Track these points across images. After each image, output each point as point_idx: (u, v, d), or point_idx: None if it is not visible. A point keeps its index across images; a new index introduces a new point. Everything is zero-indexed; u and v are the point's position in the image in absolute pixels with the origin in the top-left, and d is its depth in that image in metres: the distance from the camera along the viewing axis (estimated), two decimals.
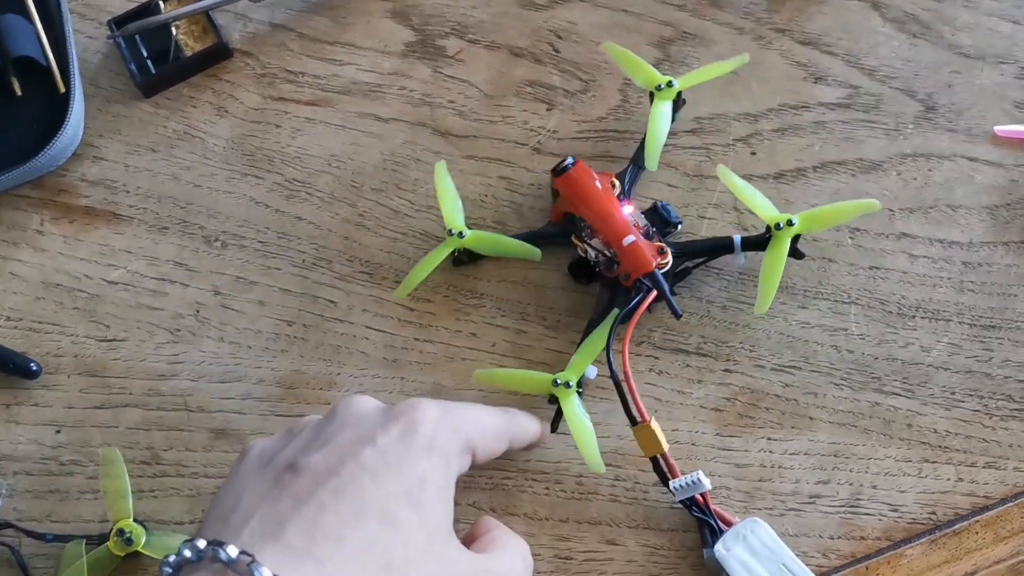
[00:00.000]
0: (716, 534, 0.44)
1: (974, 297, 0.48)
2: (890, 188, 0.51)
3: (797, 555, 0.43)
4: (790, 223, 0.46)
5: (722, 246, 0.48)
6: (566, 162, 0.49)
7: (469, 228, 0.49)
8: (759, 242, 0.47)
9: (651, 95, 0.51)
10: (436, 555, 0.36)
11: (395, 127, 0.54)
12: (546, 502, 0.47)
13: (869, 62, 0.53)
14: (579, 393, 0.46)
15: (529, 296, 0.50)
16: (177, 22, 0.55)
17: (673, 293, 0.48)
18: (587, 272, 0.49)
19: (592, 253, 0.48)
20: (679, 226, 0.49)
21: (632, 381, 0.45)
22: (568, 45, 0.55)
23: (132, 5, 0.57)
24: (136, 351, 0.51)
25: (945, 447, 0.46)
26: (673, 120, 0.51)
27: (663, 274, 0.47)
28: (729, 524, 0.45)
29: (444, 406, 0.39)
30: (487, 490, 0.47)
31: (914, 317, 0.48)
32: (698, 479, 0.44)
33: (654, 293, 0.46)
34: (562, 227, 0.50)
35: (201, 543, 0.34)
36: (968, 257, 0.49)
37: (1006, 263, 0.49)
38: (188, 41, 0.56)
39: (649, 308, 0.48)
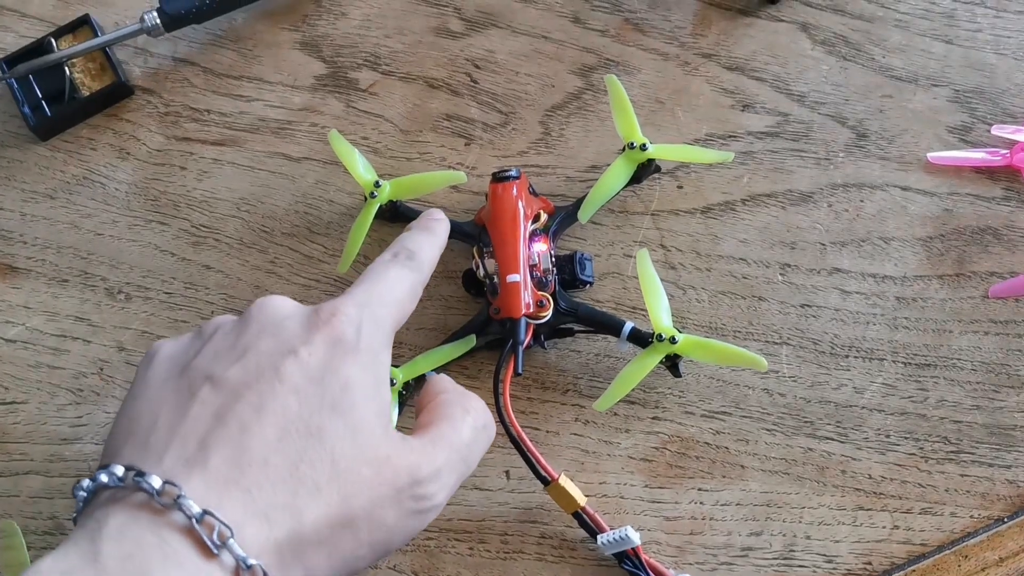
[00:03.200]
0: None
1: (908, 334, 0.47)
2: (821, 221, 0.49)
3: None
4: (673, 340, 0.44)
5: (611, 326, 0.46)
6: (509, 172, 0.47)
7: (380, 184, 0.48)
8: (643, 341, 0.45)
9: (623, 148, 0.48)
10: (368, 458, 0.33)
11: (307, 167, 0.52)
12: (470, 563, 0.45)
13: (798, 88, 0.51)
14: (402, 394, 0.46)
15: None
16: (72, 60, 0.52)
17: (543, 346, 0.47)
18: (477, 286, 0.48)
19: (482, 272, 0.46)
20: (588, 285, 0.47)
21: (528, 440, 0.43)
22: (486, 75, 0.53)
23: (26, 41, 0.53)
24: (37, 414, 0.48)
25: (880, 493, 0.45)
26: (639, 182, 0.49)
27: (541, 324, 0.45)
28: None
29: (360, 300, 0.36)
30: (408, 552, 0.45)
31: (847, 357, 0.47)
32: (626, 535, 0.43)
33: (527, 340, 0.45)
34: (475, 232, 0.48)
35: (119, 469, 0.31)
36: (902, 292, 0.47)
37: (940, 297, 0.47)
38: (85, 80, 0.53)
39: (577, 350, 0.47)
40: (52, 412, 0.48)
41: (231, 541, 0.30)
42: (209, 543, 0.30)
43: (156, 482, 0.31)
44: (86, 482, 0.32)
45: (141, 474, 0.31)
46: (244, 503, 0.31)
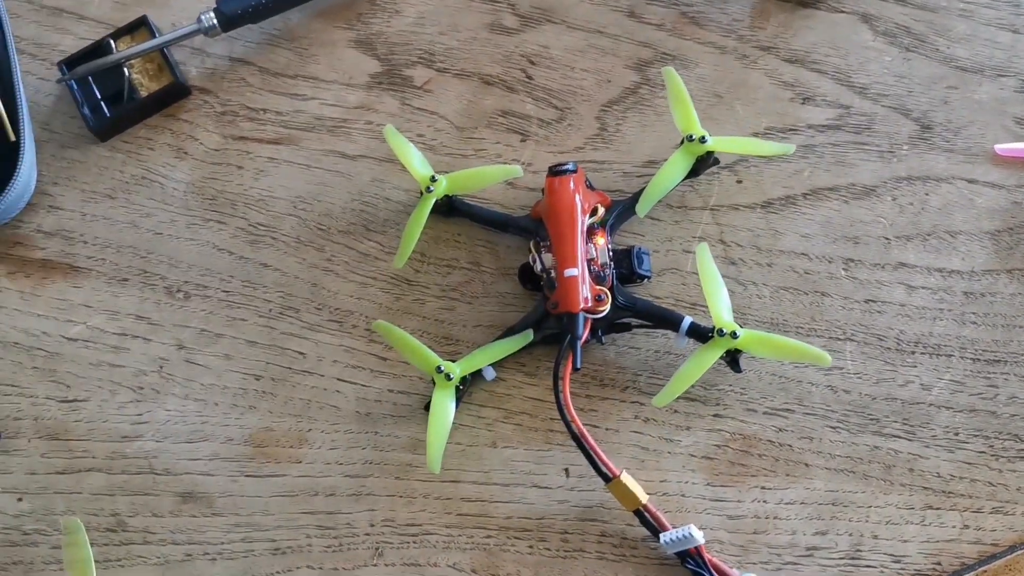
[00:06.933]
0: None
1: (977, 330, 0.46)
2: (885, 214, 0.48)
3: None
4: (734, 335, 0.43)
5: (670, 320, 0.45)
6: (566, 165, 0.47)
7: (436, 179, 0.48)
8: (703, 336, 0.44)
9: (681, 141, 0.48)
10: None
11: (362, 164, 0.52)
12: (530, 562, 0.44)
13: (860, 79, 0.50)
14: (459, 388, 0.45)
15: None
16: (130, 61, 0.53)
17: (600, 341, 0.46)
18: (533, 281, 0.47)
19: (539, 266, 0.46)
20: (646, 280, 0.47)
21: (589, 436, 0.43)
22: (541, 71, 0.52)
23: (85, 43, 0.54)
24: (98, 412, 0.49)
25: (949, 492, 0.44)
26: (697, 175, 0.49)
27: (599, 319, 0.45)
28: None
29: None
30: (468, 550, 0.45)
31: (913, 353, 0.46)
32: (689, 533, 0.42)
33: (585, 335, 0.44)
34: (532, 226, 0.47)
35: None
36: (970, 287, 0.46)
37: (1010, 292, 0.46)
38: (143, 80, 0.53)
39: (636, 347, 0.47)
40: (113, 410, 0.49)
41: None
42: None
43: None
44: None
45: None
46: None
